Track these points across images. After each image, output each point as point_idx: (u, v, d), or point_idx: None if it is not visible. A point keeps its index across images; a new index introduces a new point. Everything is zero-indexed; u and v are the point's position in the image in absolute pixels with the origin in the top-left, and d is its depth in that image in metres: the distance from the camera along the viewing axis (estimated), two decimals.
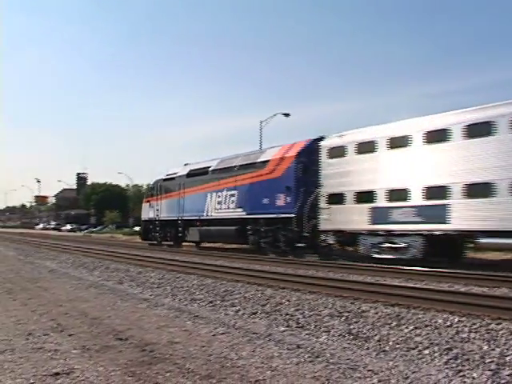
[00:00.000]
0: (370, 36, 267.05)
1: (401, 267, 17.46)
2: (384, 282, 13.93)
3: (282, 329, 8.21)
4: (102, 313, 9.37)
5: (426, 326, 8.09)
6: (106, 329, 7.87)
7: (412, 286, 13.00)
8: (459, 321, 8.38)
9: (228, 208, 29.92)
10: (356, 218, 21.33)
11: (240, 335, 7.57)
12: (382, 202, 20.28)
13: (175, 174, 37.32)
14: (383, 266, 18.11)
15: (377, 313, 9.23)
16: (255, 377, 5.45)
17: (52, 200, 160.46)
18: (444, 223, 17.99)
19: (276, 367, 5.84)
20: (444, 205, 18.02)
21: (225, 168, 31.19)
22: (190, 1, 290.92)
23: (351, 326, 8.17)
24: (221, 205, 30.61)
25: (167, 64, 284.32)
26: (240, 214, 28.78)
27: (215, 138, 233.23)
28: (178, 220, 35.08)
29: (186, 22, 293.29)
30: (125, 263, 20.44)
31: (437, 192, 18.36)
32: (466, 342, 6.99)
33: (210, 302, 10.96)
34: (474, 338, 7.19)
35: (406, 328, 7.92)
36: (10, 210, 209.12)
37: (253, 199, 27.75)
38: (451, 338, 7.21)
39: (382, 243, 20.31)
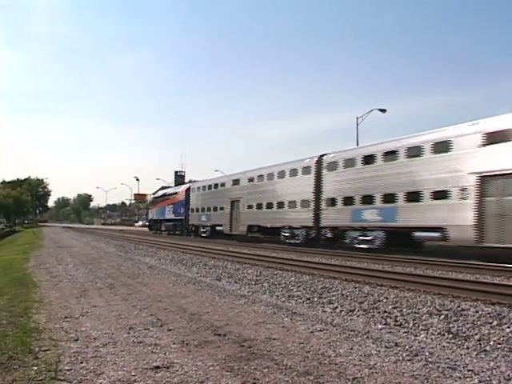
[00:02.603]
0: (458, 28, 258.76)
1: (503, 265, 16.94)
2: (484, 280, 13.53)
3: (380, 326, 8.19)
4: (200, 308, 9.50)
5: None
6: (204, 324, 8.00)
7: None
8: None
9: (170, 214, 60.64)
10: (197, 218, 51.13)
11: (338, 332, 7.60)
12: (199, 212, 50.54)
13: (158, 194, 73.12)
14: (483, 263, 17.67)
15: (477, 311, 9.03)
16: (353, 374, 5.48)
17: (151, 198, 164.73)
18: None
19: (374, 365, 5.85)
20: None
21: (168, 194, 64.11)
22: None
23: (450, 325, 8.04)
24: (169, 212, 61.28)
25: (262, 61, 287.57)
26: (173, 216, 59.33)
27: (313, 135, 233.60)
28: (157, 220, 67.02)
29: (273, 18, 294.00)
30: (222, 260, 20.71)
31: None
32: None
33: (308, 298, 11.00)
34: None
35: (508, 327, 7.72)
36: (111, 207, 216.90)
37: (176, 209, 58.31)
38: None
39: (203, 228, 49.34)
